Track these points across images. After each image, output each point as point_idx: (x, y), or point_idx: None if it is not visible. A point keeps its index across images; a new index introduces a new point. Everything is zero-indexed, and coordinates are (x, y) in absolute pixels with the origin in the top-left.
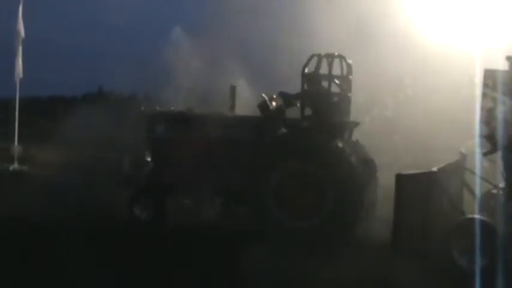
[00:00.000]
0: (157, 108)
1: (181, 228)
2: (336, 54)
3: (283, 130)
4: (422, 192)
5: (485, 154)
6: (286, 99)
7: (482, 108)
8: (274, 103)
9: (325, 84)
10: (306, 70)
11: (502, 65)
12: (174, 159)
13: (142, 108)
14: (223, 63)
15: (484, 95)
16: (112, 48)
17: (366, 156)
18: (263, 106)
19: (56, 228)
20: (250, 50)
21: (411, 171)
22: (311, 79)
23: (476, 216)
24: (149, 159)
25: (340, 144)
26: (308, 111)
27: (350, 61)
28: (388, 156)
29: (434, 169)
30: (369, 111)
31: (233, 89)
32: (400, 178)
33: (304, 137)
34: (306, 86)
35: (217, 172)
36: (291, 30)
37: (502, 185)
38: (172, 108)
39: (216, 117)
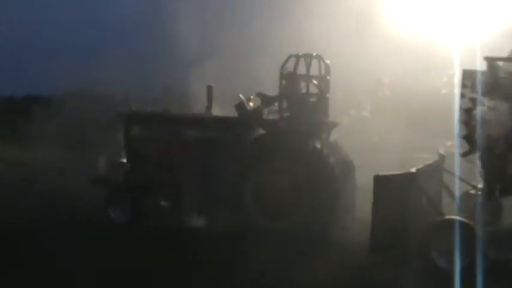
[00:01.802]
0: (134, 108)
1: (159, 230)
2: (314, 54)
3: (261, 131)
4: (401, 193)
5: (463, 155)
6: (264, 99)
7: (461, 109)
8: (251, 104)
9: (303, 84)
10: (284, 70)
11: (480, 66)
12: (150, 160)
13: (119, 108)
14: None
15: (463, 96)
16: (92, 47)
17: (344, 157)
18: (240, 107)
19: (27, 229)
20: (227, 50)
21: (389, 172)
22: (289, 79)
23: (455, 217)
24: (125, 160)
25: (317, 145)
26: (286, 112)
27: (328, 61)
28: (366, 156)
29: (413, 170)
30: (347, 112)
31: (210, 90)
32: (378, 179)
33: (281, 138)
34: (284, 87)
35: (194, 173)
36: (268, 31)
37: (480, 185)
38: (148, 108)
39: (193, 118)
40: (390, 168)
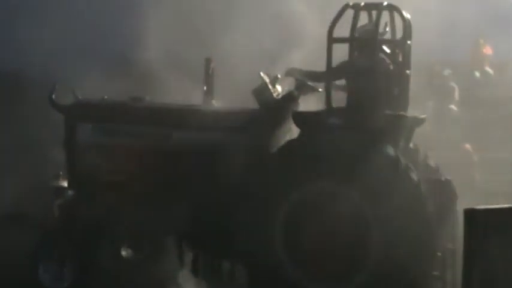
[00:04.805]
0: (80, 96)
1: None
2: (385, 3)
3: (296, 131)
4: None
5: None
6: (301, 80)
7: None
8: (279, 87)
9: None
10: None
11: None
12: (108, 182)
13: (54, 97)
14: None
15: None
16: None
17: (438, 175)
18: (262, 92)
19: None
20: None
21: (491, 206)
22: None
23: None
24: (66, 183)
25: (399, 157)
26: (338, 101)
27: (408, 16)
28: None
29: None
30: (421, 103)
31: (209, 64)
32: (472, 215)
33: (334, 143)
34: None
35: (184, 202)
36: None
37: None
38: (105, 97)
39: (183, 112)
40: (495, 196)
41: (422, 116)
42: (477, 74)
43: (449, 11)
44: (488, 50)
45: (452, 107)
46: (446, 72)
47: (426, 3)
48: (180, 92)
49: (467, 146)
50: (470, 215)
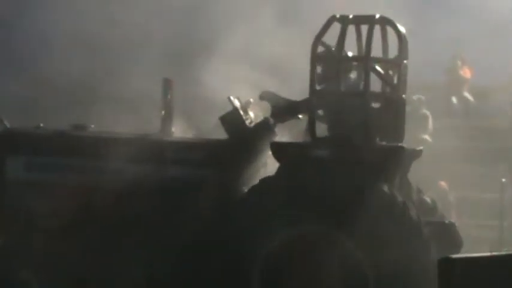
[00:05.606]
0: (9, 125)
1: None
2: (378, 16)
3: (273, 166)
4: None
5: None
6: (278, 105)
7: None
8: (251, 114)
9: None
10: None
11: None
12: (44, 225)
13: None
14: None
15: None
16: None
17: (441, 218)
18: (232, 119)
19: None
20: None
21: (473, 254)
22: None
23: None
24: None
25: (397, 197)
26: (321, 129)
27: (403, 30)
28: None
29: None
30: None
31: (168, 85)
32: (448, 266)
33: (320, 179)
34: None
35: (137, 248)
36: None
37: None
38: (41, 125)
39: (135, 142)
40: (475, 243)
41: (419, 148)
42: (454, 99)
43: (422, 26)
44: (467, 73)
45: (426, 137)
46: (416, 97)
47: (395, 17)
48: (133, 118)
49: (443, 183)
50: (446, 265)
